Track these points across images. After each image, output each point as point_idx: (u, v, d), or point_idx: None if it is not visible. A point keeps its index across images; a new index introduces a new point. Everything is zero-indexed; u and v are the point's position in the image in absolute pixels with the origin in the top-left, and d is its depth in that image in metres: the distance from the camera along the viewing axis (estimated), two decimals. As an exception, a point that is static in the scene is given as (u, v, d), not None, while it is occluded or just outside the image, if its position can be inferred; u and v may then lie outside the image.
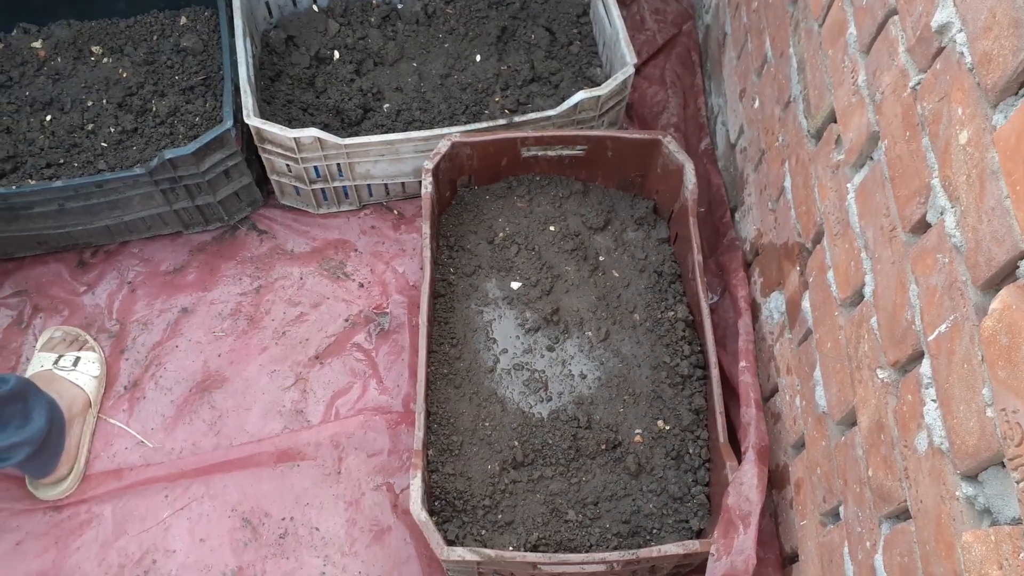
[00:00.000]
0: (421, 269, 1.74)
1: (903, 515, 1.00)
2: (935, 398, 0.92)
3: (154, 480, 1.63)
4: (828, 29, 1.28)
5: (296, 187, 1.89)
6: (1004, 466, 0.79)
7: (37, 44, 1.97)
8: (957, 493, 0.86)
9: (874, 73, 1.11)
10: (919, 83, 0.99)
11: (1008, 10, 0.80)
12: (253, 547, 1.58)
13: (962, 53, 0.88)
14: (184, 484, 1.64)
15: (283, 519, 1.61)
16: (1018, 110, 0.78)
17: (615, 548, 1.47)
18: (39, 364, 1.68)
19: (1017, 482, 0.74)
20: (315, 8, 2.11)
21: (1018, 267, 0.77)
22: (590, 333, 1.70)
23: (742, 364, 1.55)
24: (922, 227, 0.97)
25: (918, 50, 0.99)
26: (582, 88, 1.95)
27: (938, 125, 0.93)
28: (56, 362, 1.67)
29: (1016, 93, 0.80)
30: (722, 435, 1.47)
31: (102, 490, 1.62)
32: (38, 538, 1.58)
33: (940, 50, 0.94)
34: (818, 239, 1.32)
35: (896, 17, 1.05)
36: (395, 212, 1.98)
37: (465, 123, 1.94)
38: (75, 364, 1.68)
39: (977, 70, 0.85)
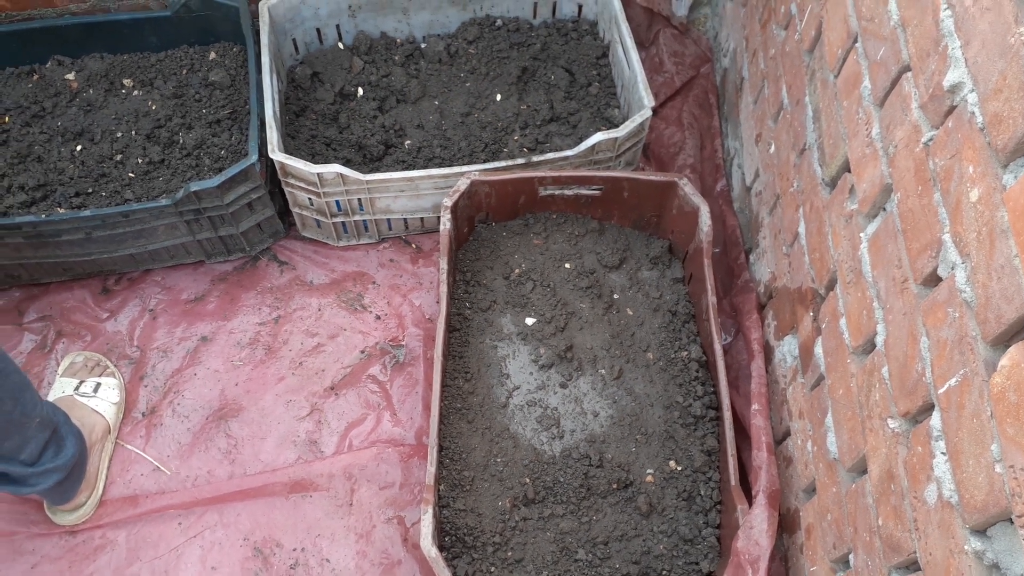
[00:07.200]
0: (437, 303, 1.77)
1: (912, 566, 1.01)
2: (945, 451, 0.93)
3: (169, 507, 1.65)
4: (843, 80, 1.31)
5: (317, 220, 1.93)
6: (1012, 522, 0.79)
7: (70, 76, 2.02)
8: (966, 547, 0.86)
9: (888, 127, 1.13)
10: (931, 139, 1.01)
11: (1018, 73, 0.82)
12: (264, 577, 1.59)
13: (973, 113, 0.90)
14: (198, 512, 1.66)
15: (294, 550, 1.63)
16: (1028, 171, 0.79)
17: (624, 589, 1.48)
18: (61, 390, 1.71)
19: (1025, 539, 0.75)
20: (340, 46, 2.16)
21: (1027, 325, 0.79)
22: (603, 371, 1.71)
23: (754, 407, 1.55)
24: (933, 280, 0.98)
25: (930, 107, 1.01)
26: (600, 129, 1.99)
27: (949, 182, 0.95)
28: (77, 388, 1.70)
29: (1026, 154, 0.82)
30: (734, 477, 1.48)
31: (117, 516, 1.64)
32: (53, 562, 1.60)
33: (952, 108, 0.96)
34: (831, 286, 1.34)
35: (909, 73, 1.07)
36: (413, 246, 2.01)
37: (484, 161, 1.97)
38: (95, 390, 1.71)
39: (988, 130, 0.87)
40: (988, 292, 0.85)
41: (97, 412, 1.67)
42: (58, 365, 1.80)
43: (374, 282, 1.96)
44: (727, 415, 1.54)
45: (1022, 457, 0.76)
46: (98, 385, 1.72)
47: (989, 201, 0.86)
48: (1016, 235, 0.80)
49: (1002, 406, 0.80)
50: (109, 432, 1.69)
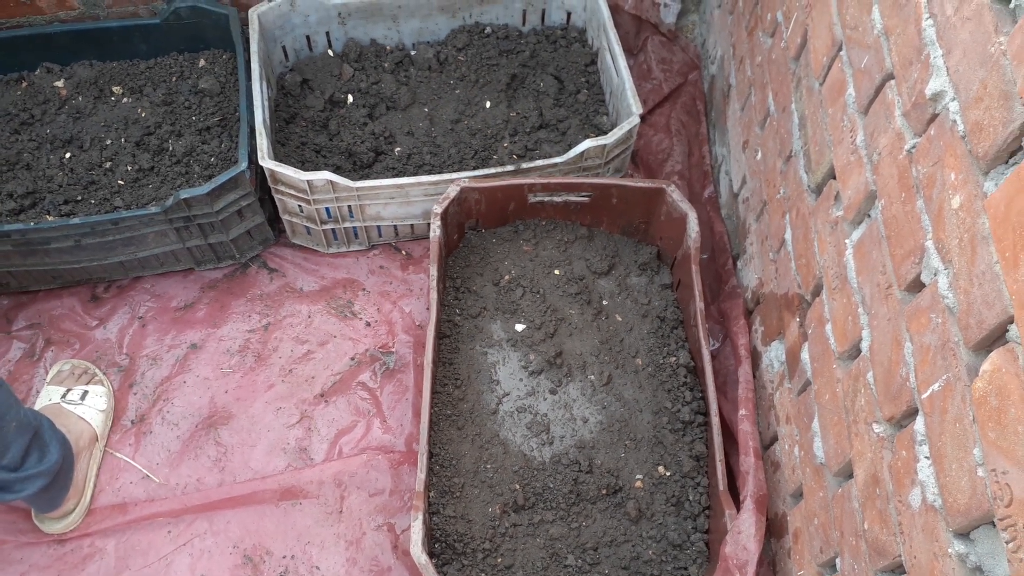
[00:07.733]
0: (428, 310, 1.77)
1: (898, 570, 1.02)
2: (928, 455, 0.94)
3: (158, 515, 1.65)
4: (828, 88, 1.32)
5: (307, 227, 1.93)
6: (995, 525, 0.80)
7: (59, 83, 2.02)
8: (949, 550, 0.87)
9: (872, 134, 1.15)
10: (914, 147, 1.02)
11: (998, 83, 0.83)
12: (254, 585, 1.59)
13: (955, 121, 0.92)
14: (187, 520, 1.65)
15: (284, 557, 1.62)
16: (1008, 179, 0.81)
17: (614, 594, 1.48)
18: (47, 398, 1.70)
19: (1007, 542, 0.76)
20: (330, 53, 2.16)
21: (1008, 331, 0.80)
22: (593, 377, 1.72)
23: (741, 412, 1.56)
24: (916, 287, 0.99)
25: (913, 115, 1.02)
26: (589, 135, 2.00)
27: (932, 189, 0.96)
28: (64, 396, 1.70)
29: (1006, 162, 0.83)
30: (722, 482, 1.48)
31: (106, 524, 1.63)
32: (41, 571, 1.59)
33: (934, 116, 0.97)
34: (817, 292, 1.35)
35: (893, 82, 1.08)
36: (403, 253, 2.02)
37: (474, 168, 1.98)
38: (82, 398, 1.70)
39: (969, 138, 0.88)
40: (970, 298, 0.86)
41: (84, 420, 1.67)
42: (46, 373, 1.80)
43: (364, 289, 1.96)
44: (715, 420, 1.55)
45: (1003, 461, 0.77)
46: (85, 393, 1.71)
47: (970, 208, 0.87)
48: (996, 241, 0.81)
49: (984, 410, 0.81)
50: (97, 440, 1.69)
